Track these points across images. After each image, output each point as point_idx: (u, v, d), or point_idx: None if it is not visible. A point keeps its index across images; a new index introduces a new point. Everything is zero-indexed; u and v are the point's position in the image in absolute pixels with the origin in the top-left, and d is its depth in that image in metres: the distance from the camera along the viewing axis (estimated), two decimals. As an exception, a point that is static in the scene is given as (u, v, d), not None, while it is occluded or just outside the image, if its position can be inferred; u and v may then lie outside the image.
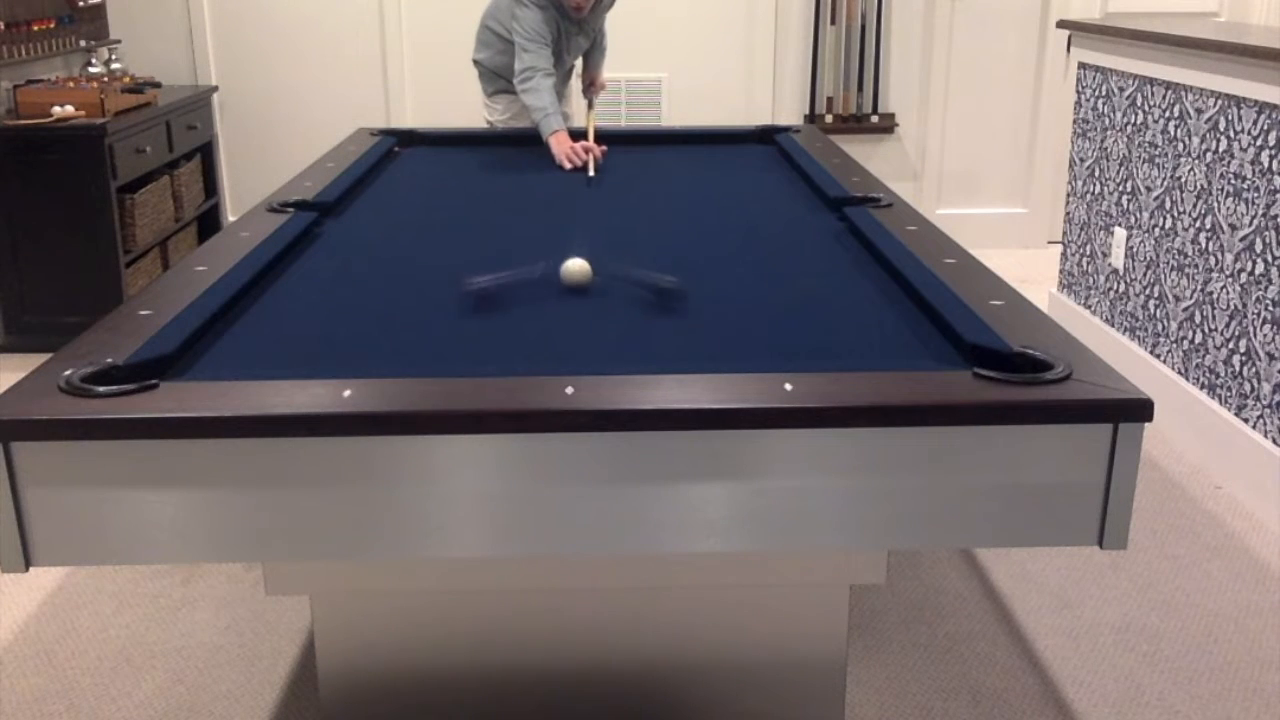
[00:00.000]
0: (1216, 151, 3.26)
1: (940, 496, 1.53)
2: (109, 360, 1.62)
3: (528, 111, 3.55)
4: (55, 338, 2.28)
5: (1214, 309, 3.29)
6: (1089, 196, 4.12)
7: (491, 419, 1.48)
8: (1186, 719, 2.26)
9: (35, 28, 4.51)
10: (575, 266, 2.09)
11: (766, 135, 3.73)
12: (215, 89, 5.28)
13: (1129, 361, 3.69)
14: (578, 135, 3.43)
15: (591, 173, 3.18)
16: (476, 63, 3.94)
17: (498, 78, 3.87)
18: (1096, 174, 4.05)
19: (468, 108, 5.00)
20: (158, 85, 4.94)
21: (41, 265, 4.16)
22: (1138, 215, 3.75)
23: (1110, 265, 3.96)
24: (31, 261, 4.17)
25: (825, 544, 1.57)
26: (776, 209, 2.81)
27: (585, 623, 1.91)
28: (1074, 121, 4.23)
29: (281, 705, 2.31)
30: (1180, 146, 3.46)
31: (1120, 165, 3.86)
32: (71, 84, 4.35)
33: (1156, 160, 3.61)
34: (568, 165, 3.27)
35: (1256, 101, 3.06)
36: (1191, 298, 3.42)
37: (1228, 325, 3.22)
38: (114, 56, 4.87)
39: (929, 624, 2.56)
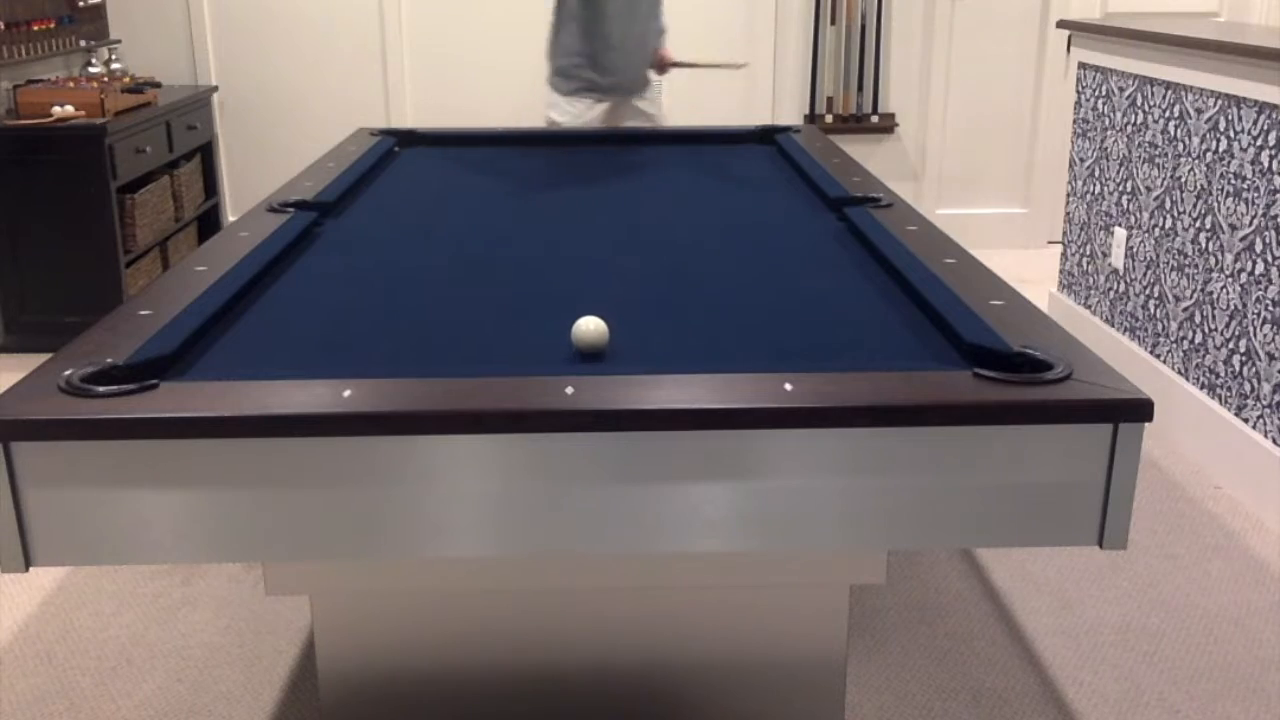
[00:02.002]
0: (1216, 151, 3.26)
1: (940, 496, 1.53)
2: (109, 360, 1.62)
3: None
4: (55, 338, 2.27)
5: (1214, 309, 3.29)
6: (1089, 196, 4.11)
7: (491, 419, 1.48)
8: (1186, 719, 2.26)
9: (35, 28, 4.51)
10: (590, 328, 1.72)
11: (766, 135, 3.72)
12: (215, 89, 5.28)
13: (1129, 361, 3.69)
14: (580, 137, 3.44)
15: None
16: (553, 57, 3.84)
17: (575, 76, 3.79)
18: (1096, 174, 4.04)
19: (468, 108, 5.00)
20: (158, 85, 4.94)
21: (41, 265, 4.17)
22: (1138, 215, 3.74)
23: (1110, 265, 3.96)
24: (31, 261, 4.17)
25: (825, 544, 1.57)
26: (776, 209, 2.81)
27: (585, 623, 1.91)
28: (1074, 121, 4.23)
29: (281, 705, 2.31)
30: (1180, 146, 3.46)
31: (1120, 165, 3.85)
32: (71, 84, 4.35)
33: (1156, 160, 3.61)
34: None
35: (1256, 101, 3.06)
36: (1191, 298, 3.42)
37: (1228, 325, 3.22)
38: (114, 56, 4.87)
39: (929, 624, 2.56)
